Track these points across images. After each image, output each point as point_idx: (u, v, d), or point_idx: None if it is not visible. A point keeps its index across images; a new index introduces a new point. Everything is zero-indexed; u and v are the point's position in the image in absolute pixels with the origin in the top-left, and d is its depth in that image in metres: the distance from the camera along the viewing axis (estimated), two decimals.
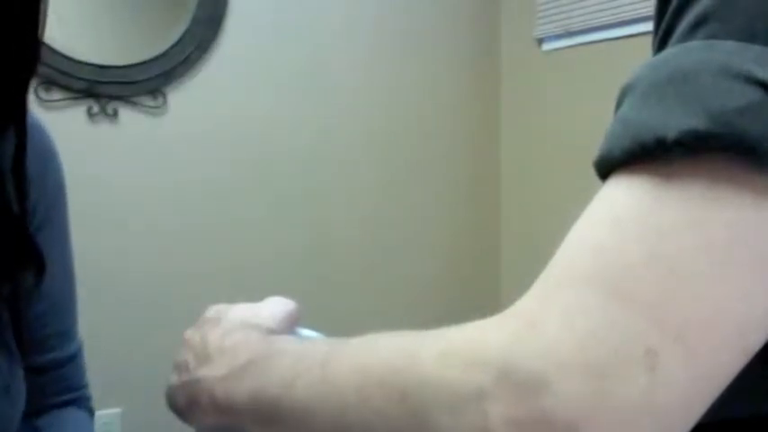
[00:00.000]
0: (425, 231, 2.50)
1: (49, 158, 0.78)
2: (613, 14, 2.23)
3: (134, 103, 2.01)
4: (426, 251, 2.50)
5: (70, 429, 0.79)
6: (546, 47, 2.48)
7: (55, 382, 0.79)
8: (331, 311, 2.11)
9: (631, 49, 2.12)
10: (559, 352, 0.33)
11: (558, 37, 2.43)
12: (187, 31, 2.04)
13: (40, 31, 0.67)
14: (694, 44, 0.35)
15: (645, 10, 2.12)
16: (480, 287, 2.59)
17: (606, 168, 0.37)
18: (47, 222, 0.76)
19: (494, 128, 2.63)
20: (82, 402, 0.82)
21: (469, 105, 2.58)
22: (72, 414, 0.80)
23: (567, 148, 2.36)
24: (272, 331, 0.54)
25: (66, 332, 0.80)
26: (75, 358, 0.82)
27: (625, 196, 0.35)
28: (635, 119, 0.35)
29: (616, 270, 0.33)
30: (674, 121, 0.33)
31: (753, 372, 0.35)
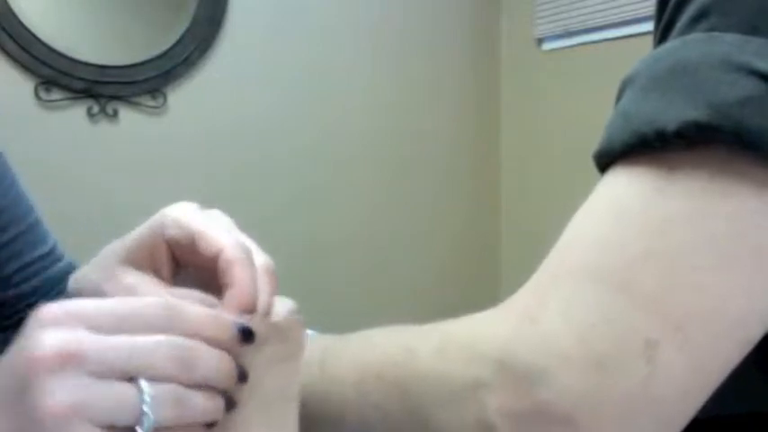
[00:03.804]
0: (425, 231, 2.49)
1: None
2: (613, 14, 2.23)
3: (134, 103, 2.01)
4: (426, 251, 2.50)
5: None
6: (546, 47, 2.48)
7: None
8: (331, 311, 2.11)
9: (631, 49, 2.12)
10: (558, 344, 0.32)
11: (558, 37, 2.43)
12: (187, 31, 2.04)
13: None
14: (695, 37, 0.35)
15: (645, 10, 2.12)
16: (480, 287, 2.59)
17: (606, 161, 0.37)
18: None
19: (494, 128, 2.63)
20: None
21: (469, 105, 2.57)
22: None
23: (567, 147, 2.36)
24: None
25: (49, 253, 0.75)
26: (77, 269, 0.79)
27: (625, 189, 0.35)
28: (635, 111, 0.35)
29: (616, 262, 0.33)
30: (674, 113, 0.33)
31: (744, 372, 0.34)
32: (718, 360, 0.33)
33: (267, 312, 0.39)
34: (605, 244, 0.34)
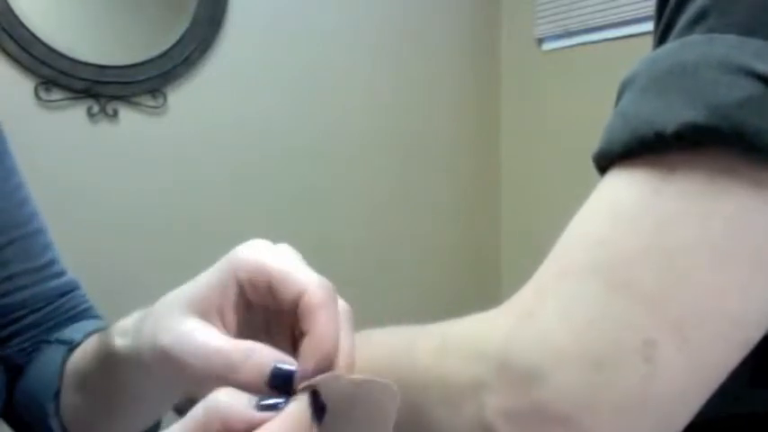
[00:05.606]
0: (425, 232, 2.49)
1: None
2: (613, 14, 2.23)
3: (134, 103, 2.01)
4: (426, 252, 2.49)
5: None
6: (546, 47, 2.48)
7: (60, 312, 0.70)
8: None
9: (631, 49, 2.12)
10: (557, 343, 0.33)
11: (558, 37, 2.43)
12: (187, 31, 2.04)
13: None
14: (694, 38, 0.35)
15: (645, 10, 2.12)
16: (480, 287, 2.59)
17: (605, 162, 0.37)
18: None
19: (494, 128, 2.63)
20: None
21: (469, 105, 2.57)
22: None
23: (567, 147, 2.35)
24: None
25: (44, 267, 0.70)
26: (77, 289, 0.73)
27: (625, 190, 0.35)
28: (634, 112, 0.35)
29: (615, 262, 0.33)
30: (673, 115, 0.33)
31: (740, 373, 0.34)
32: (718, 360, 0.33)
33: (350, 366, 0.35)
34: (605, 244, 0.34)
